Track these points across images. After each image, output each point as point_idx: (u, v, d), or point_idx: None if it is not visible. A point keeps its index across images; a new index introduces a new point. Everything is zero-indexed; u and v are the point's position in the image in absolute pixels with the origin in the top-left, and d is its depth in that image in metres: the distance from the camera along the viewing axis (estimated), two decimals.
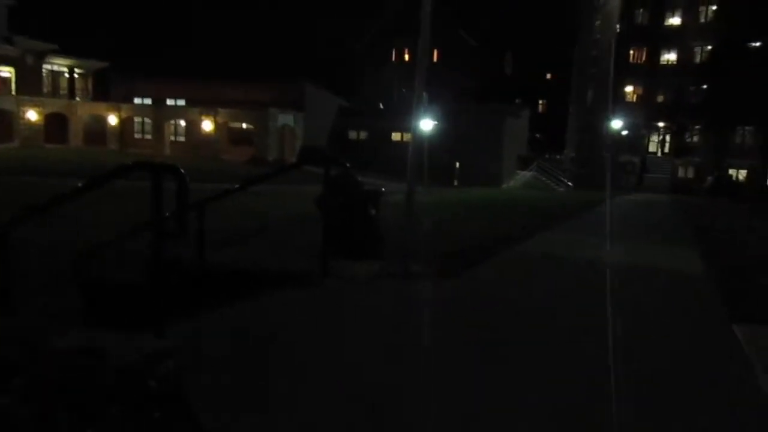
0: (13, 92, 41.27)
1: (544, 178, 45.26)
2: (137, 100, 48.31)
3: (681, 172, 50.39)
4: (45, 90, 43.86)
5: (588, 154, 39.53)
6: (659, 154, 52.63)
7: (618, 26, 44.39)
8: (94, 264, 5.88)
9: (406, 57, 65.91)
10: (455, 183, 37.81)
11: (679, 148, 50.74)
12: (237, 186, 6.75)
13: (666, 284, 7.77)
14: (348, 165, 6.58)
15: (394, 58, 67.41)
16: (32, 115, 40.80)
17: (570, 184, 42.15)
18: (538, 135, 60.75)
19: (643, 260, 9.12)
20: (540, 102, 66.93)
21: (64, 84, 45.85)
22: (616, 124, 43.35)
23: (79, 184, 4.49)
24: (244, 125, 43.44)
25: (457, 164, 39.38)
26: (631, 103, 51.75)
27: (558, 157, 52.32)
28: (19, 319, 4.46)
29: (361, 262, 6.35)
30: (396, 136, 44.67)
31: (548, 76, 66.96)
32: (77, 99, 45.93)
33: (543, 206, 18.74)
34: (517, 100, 59.29)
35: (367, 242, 6.39)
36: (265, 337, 4.66)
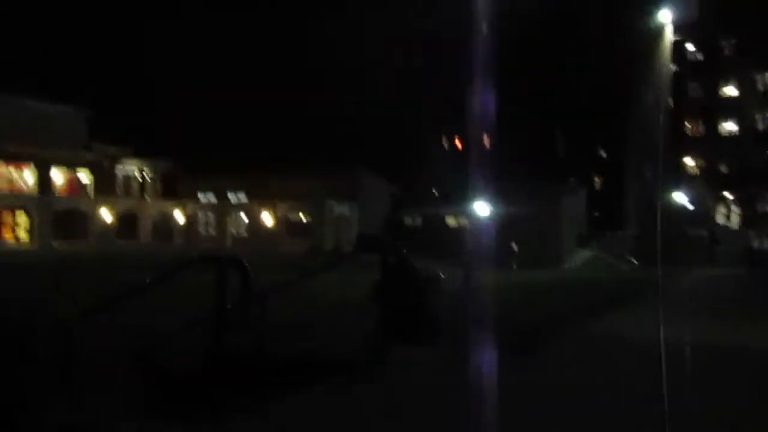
0: (90, 193, 44.12)
1: (606, 257, 43.96)
2: (201, 196, 50.67)
3: (756, 243, 47.94)
4: (118, 190, 46.73)
5: (651, 230, 38.41)
6: (730, 225, 50.60)
7: (671, 100, 44.22)
8: (158, 354, 6.00)
9: (458, 143, 67.29)
10: (514, 266, 37.18)
11: (751, 218, 48.69)
12: (295, 277, 6.87)
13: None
14: (404, 251, 6.62)
15: (445, 143, 68.90)
16: (106, 214, 43.29)
17: (635, 262, 40.74)
18: (596, 213, 59.71)
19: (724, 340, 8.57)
20: (595, 179, 66.25)
21: (135, 184, 48.79)
22: (679, 197, 42.23)
23: (147, 279, 4.68)
24: (302, 216, 44.67)
25: (515, 246, 38.87)
26: (694, 175, 50.59)
27: (619, 234, 50.99)
28: (86, 408, 4.56)
29: (419, 349, 6.23)
30: (451, 221, 44.77)
31: (602, 152, 66.62)
32: (147, 197, 48.61)
33: (606, 286, 18.13)
34: (571, 179, 58.91)
35: (425, 329, 6.30)
36: None
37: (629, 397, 5.64)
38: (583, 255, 44.85)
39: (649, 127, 41.22)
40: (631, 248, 43.79)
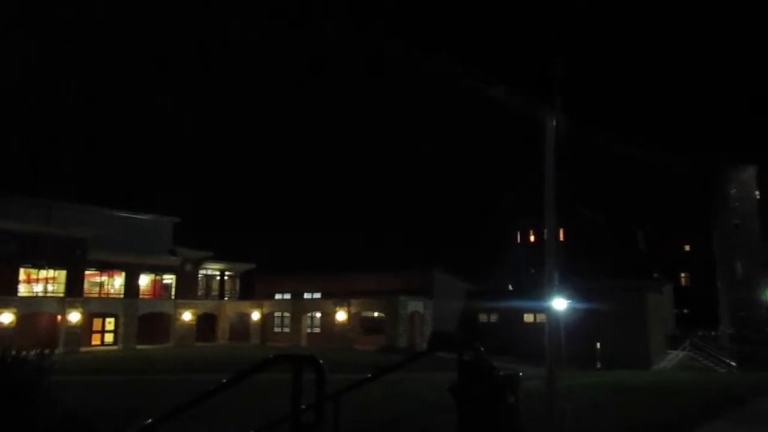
0: (173, 296, 45.90)
1: (700, 358, 40.82)
2: (278, 296, 51.70)
3: None
4: (199, 293, 48.40)
5: (748, 331, 35.61)
6: None
7: (757, 192, 42.25)
8: None
9: (532, 237, 66.32)
10: (597, 365, 35.11)
11: None
12: (369, 376, 6.74)
13: None
14: (481, 349, 6.41)
15: (519, 239, 68.06)
16: (187, 316, 44.70)
17: (733, 364, 37.57)
18: (685, 310, 56.25)
19: None
20: (681, 275, 62.90)
21: (215, 286, 50.48)
22: None
23: (224, 380, 4.71)
24: (376, 314, 44.48)
25: (598, 345, 36.89)
26: None
27: (712, 333, 47.48)
28: None
29: None
30: (528, 318, 43.31)
31: (687, 247, 63.69)
32: (226, 299, 50.03)
33: (704, 391, 16.67)
34: (655, 275, 56.32)
35: (506, 431, 5.94)
36: None
37: None
38: (674, 356, 41.87)
39: (735, 222, 39.33)
40: (727, 349, 40.53)
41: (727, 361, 38.83)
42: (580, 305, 34.89)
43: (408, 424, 9.73)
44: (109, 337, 41.73)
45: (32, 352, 7.28)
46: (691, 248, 62.69)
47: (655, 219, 61.25)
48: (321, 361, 3.90)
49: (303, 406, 4.02)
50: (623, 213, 61.80)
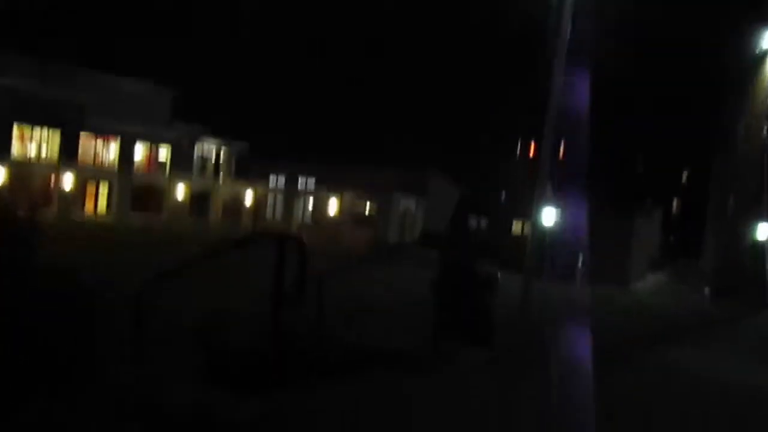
0: (167, 170, 45.96)
1: (677, 285, 41.95)
2: (272, 177, 51.81)
3: None
4: (193, 168, 48.42)
5: (729, 265, 36.29)
6: None
7: (766, 130, 41.45)
8: (217, 327, 6.17)
9: (531, 149, 65.97)
10: (577, 280, 36.10)
11: None
12: (354, 263, 6.90)
13: None
14: (465, 250, 6.54)
15: (518, 150, 67.69)
16: (180, 190, 44.98)
17: (707, 294, 38.66)
18: (671, 237, 57.14)
19: None
20: (674, 202, 63.20)
21: (210, 163, 50.43)
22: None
23: (211, 250, 4.80)
24: (368, 206, 45.00)
25: (580, 260, 37.75)
26: None
27: (696, 262, 48.45)
28: (143, 372, 4.75)
29: (473, 348, 6.14)
30: (516, 227, 43.94)
31: (685, 174, 63.54)
32: (220, 177, 50.17)
33: (672, 314, 17.34)
34: (647, 199, 56.59)
35: (480, 328, 6.19)
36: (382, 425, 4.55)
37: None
38: (653, 279, 43.03)
39: (737, 160, 38.90)
40: (708, 280, 41.42)
41: (705, 291, 39.92)
42: (567, 220, 35.24)
43: (389, 312, 10.12)
44: (102, 205, 42.17)
45: (25, 211, 7.36)
46: (688, 176, 62.61)
47: (657, 144, 60.59)
48: (303, 240, 3.97)
49: (286, 284, 4.14)
50: (622, 133, 60.92)
